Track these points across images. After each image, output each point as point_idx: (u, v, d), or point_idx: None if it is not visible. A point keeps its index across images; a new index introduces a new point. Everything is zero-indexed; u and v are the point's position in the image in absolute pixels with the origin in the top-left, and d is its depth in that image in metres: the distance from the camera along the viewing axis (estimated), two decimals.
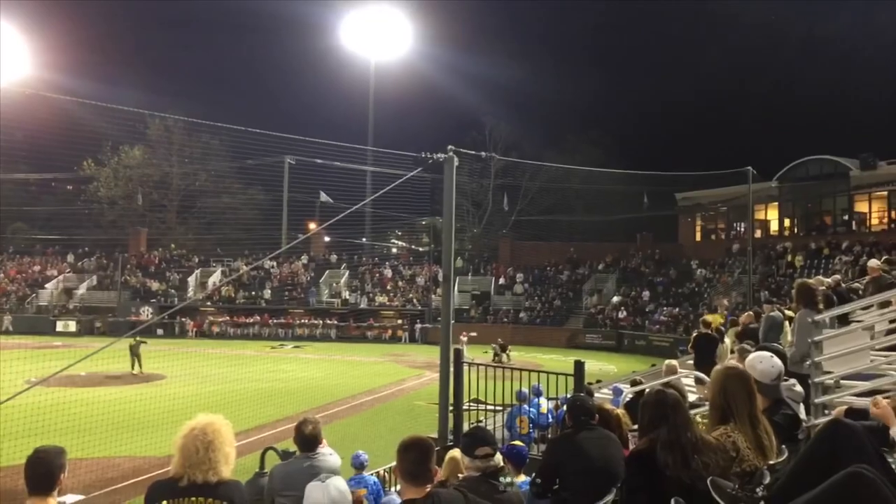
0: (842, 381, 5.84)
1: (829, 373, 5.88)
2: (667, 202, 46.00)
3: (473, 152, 12.05)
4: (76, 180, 54.61)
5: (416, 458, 3.11)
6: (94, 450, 12.88)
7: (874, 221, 38.80)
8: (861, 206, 39.43)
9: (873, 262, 10.83)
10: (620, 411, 6.21)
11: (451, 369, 9.97)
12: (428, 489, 3.05)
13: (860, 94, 53.85)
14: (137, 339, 24.99)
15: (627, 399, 8.73)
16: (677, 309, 38.91)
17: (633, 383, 10.06)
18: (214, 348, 30.63)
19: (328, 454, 4.76)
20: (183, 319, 42.30)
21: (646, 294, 42.05)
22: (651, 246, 47.25)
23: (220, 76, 57.11)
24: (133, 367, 24.62)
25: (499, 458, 3.86)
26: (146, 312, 43.57)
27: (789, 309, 10.65)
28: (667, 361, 9.57)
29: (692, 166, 40.86)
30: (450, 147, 9.26)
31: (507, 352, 30.25)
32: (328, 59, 56.21)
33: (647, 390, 7.51)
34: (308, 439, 4.69)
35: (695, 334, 13.08)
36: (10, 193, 52.73)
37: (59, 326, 42.26)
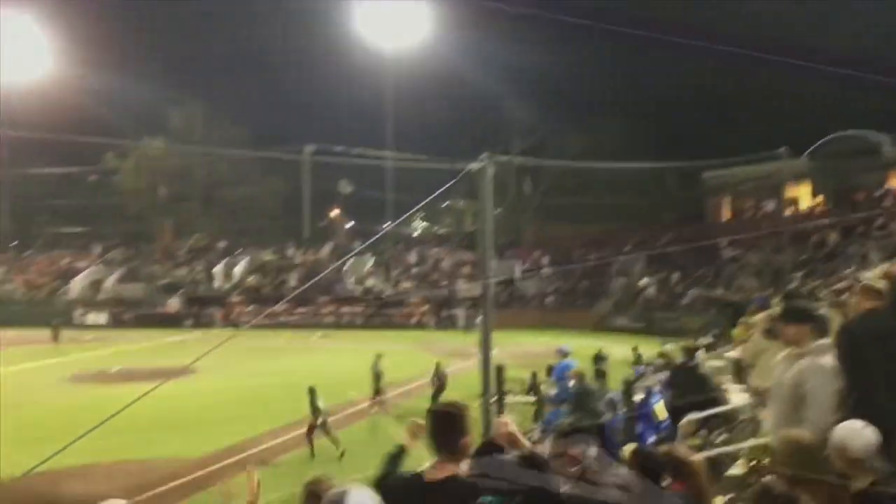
0: None
1: None
2: (694, 181, 45.32)
3: (506, 157, 11.70)
4: (99, 173, 55.03)
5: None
6: (132, 451, 12.87)
7: None
8: (894, 182, 38.49)
9: None
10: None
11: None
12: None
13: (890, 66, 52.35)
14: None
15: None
16: (708, 290, 38.35)
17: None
18: (243, 339, 30.66)
19: None
20: (211, 310, 42.54)
21: (675, 276, 41.49)
22: (679, 226, 46.56)
23: (235, 67, 56.75)
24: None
25: None
26: (174, 304, 43.87)
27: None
28: None
29: (717, 141, 40.07)
30: (484, 154, 8.95)
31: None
32: (343, 47, 55.64)
33: None
34: None
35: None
36: (34, 188, 53.36)
37: (89, 319, 42.72)
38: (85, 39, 47.69)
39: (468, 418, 2.83)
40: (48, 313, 38.03)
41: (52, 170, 49.71)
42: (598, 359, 18.34)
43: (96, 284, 47.81)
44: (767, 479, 3.03)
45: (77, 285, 47.55)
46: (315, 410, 13.50)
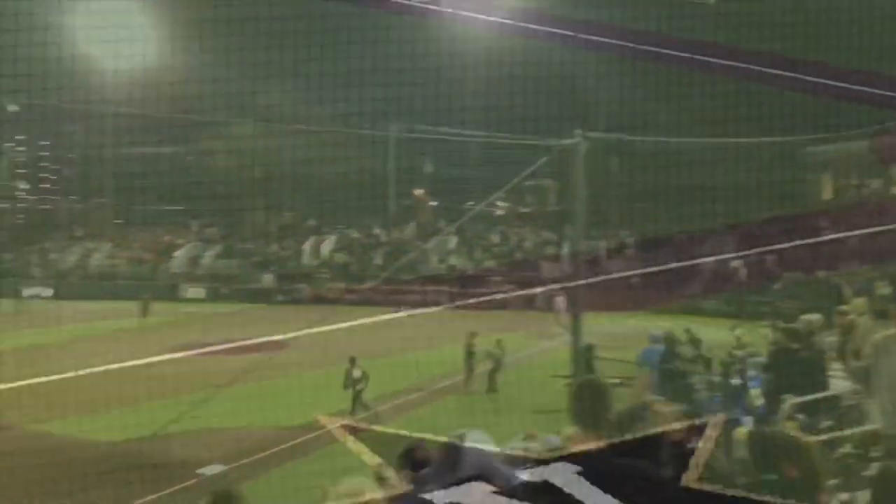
0: None
1: None
2: (792, 157, 43.11)
3: (598, 133, 11.48)
4: (195, 154, 57.22)
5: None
6: (229, 420, 13.46)
7: None
8: None
9: None
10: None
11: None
12: None
13: None
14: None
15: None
16: (804, 273, 36.69)
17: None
18: (332, 315, 31.43)
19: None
20: (300, 286, 43.89)
21: (770, 258, 39.81)
22: (773, 204, 44.50)
23: (324, 47, 57.62)
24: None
25: None
26: (267, 280, 45.49)
27: None
28: None
29: (819, 114, 37.67)
30: (577, 131, 8.81)
31: None
32: (427, 22, 55.53)
33: None
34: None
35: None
36: (136, 167, 56.13)
37: (189, 293, 44.90)
38: (180, 25, 49.44)
39: (612, 396, 2.86)
40: (151, 287, 40.25)
41: (152, 149, 52.12)
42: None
43: (195, 260, 50.09)
44: (889, 463, 2.89)
45: (178, 261, 49.95)
46: (350, 380, 13.92)
